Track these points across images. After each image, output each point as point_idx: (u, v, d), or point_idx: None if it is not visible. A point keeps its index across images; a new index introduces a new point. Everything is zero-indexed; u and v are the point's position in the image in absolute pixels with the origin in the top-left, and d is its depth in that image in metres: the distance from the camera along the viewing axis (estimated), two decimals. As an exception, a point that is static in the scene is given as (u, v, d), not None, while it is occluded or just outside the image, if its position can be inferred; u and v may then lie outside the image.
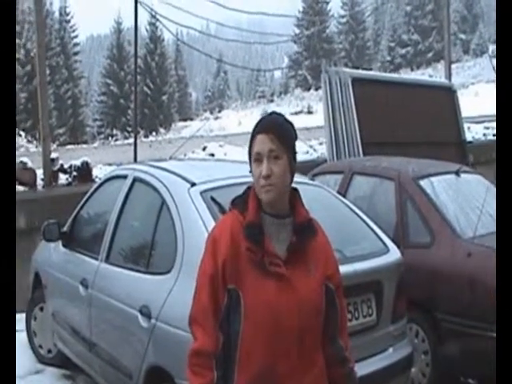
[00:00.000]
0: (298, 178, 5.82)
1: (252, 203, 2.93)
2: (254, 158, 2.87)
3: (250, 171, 2.91)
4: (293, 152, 2.91)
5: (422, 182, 7.14)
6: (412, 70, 72.09)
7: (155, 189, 5.50)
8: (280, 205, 2.91)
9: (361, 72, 16.21)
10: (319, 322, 2.94)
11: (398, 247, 5.71)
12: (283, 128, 2.90)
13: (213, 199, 4.91)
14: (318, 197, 5.71)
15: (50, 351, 7.55)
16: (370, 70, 62.49)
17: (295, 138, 2.94)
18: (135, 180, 5.95)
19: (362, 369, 4.75)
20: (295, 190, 3.00)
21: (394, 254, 5.52)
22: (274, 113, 3.01)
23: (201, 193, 5.03)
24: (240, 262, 2.87)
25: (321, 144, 17.56)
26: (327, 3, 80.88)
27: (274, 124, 2.90)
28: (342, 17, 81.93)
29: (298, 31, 76.50)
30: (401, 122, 12.09)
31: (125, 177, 6.17)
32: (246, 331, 2.86)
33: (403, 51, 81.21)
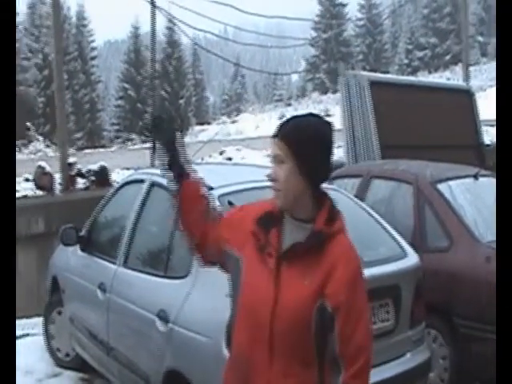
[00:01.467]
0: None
1: None
2: (271, 162, 2.89)
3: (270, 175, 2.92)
4: (307, 157, 2.80)
5: (440, 186, 7.10)
6: (430, 72, 71.81)
7: (173, 193, 5.49)
8: (297, 210, 2.87)
9: (379, 75, 16.19)
10: (306, 338, 2.77)
11: (416, 251, 5.68)
12: (294, 132, 2.83)
13: (230, 203, 4.90)
14: (335, 201, 5.69)
15: (67, 355, 7.57)
16: (388, 72, 62.42)
17: (310, 145, 2.82)
18: (153, 184, 5.96)
19: (379, 374, 4.75)
20: (325, 198, 2.93)
21: (412, 258, 5.49)
22: (293, 117, 2.95)
23: (218, 197, 5.02)
24: (248, 237, 2.93)
25: (339, 147, 17.50)
26: (344, 6, 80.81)
27: (286, 128, 2.85)
28: (360, 20, 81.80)
29: (315, 34, 76.47)
30: (419, 125, 12.04)
31: (142, 181, 6.18)
32: (239, 300, 2.93)
33: (421, 54, 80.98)
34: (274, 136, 2.85)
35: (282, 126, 2.87)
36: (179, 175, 3.17)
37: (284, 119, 2.98)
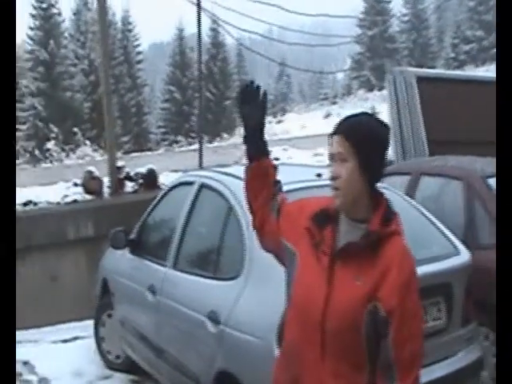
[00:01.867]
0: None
1: None
2: (330, 159, 2.84)
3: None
4: (366, 157, 2.77)
5: (491, 181, 6.99)
6: (477, 66, 71.00)
7: (222, 195, 5.50)
8: (352, 210, 2.83)
9: (426, 71, 16.07)
10: (357, 340, 2.72)
11: (468, 248, 5.60)
12: (357, 130, 2.79)
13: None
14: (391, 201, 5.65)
15: (118, 357, 7.64)
16: (434, 67, 61.87)
17: (371, 142, 2.79)
18: (202, 186, 5.98)
19: (431, 373, 4.71)
20: (382, 198, 2.89)
21: (464, 255, 5.42)
22: (353, 115, 2.92)
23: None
24: (302, 232, 2.93)
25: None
26: (389, 2, 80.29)
27: (347, 125, 2.82)
28: (404, 15, 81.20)
29: (360, 32, 76.11)
30: (467, 120, 11.88)
31: (191, 183, 6.20)
32: (291, 296, 2.93)
33: (467, 48, 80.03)
34: (334, 133, 2.82)
35: (342, 124, 2.84)
36: (257, 152, 3.16)
37: (343, 117, 2.93)
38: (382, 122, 2.87)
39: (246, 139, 3.16)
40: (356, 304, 2.70)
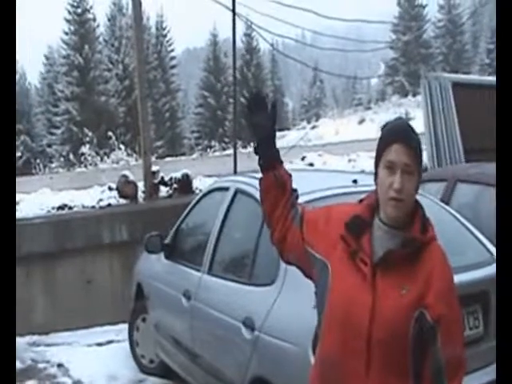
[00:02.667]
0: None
1: (366, 201, 2.91)
2: (386, 166, 2.75)
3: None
4: (421, 168, 2.80)
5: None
6: (512, 72, 70.41)
7: (257, 200, 5.47)
8: (398, 220, 2.79)
9: (461, 76, 15.98)
10: (403, 349, 2.70)
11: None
12: (414, 138, 2.77)
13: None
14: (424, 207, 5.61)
15: (152, 361, 7.66)
16: (469, 73, 61.45)
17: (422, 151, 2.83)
18: (237, 192, 5.98)
19: (469, 382, 4.63)
20: (418, 204, 2.86)
21: (502, 263, 5.36)
22: (403, 120, 2.92)
23: (303, 203, 4.99)
24: (335, 241, 2.88)
25: (421, 151, 17.32)
26: (424, 7, 79.89)
27: (408, 133, 2.77)
28: (439, 21, 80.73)
29: (394, 37, 75.79)
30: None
31: (226, 189, 6.21)
32: (327, 306, 2.87)
33: (503, 54, 79.46)
34: (402, 142, 2.73)
35: (407, 132, 2.78)
36: (270, 162, 3.12)
37: (397, 121, 2.89)
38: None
39: (258, 149, 3.10)
40: (403, 313, 2.69)
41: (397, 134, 2.77)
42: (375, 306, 2.72)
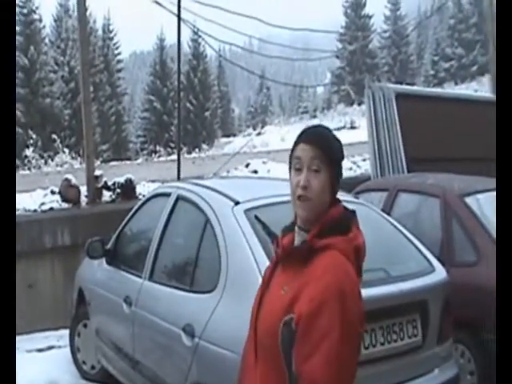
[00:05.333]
0: (341, 195, 5.76)
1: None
2: (295, 167, 2.75)
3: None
4: (336, 170, 2.75)
5: (468, 199, 7.03)
6: (456, 84, 71.42)
7: (199, 207, 5.50)
8: (314, 222, 2.73)
9: (405, 87, 16.11)
10: (276, 350, 2.64)
11: (444, 266, 5.62)
12: (328, 141, 2.76)
13: (257, 218, 4.88)
14: (362, 215, 5.64)
15: (93, 367, 7.60)
16: (414, 84, 62.16)
17: (341, 155, 2.80)
18: (179, 198, 5.97)
19: (407, 391, 4.72)
20: (352, 211, 2.84)
21: (440, 273, 5.43)
22: (320, 126, 2.90)
23: (245, 211, 5.02)
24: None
25: (364, 160, 17.45)
26: (370, 18, 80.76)
27: (319, 136, 2.77)
28: (385, 31, 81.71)
29: (340, 46, 76.47)
30: (445, 137, 11.94)
31: (168, 195, 6.19)
32: None
33: (447, 65, 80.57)
34: (308, 142, 2.74)
35: (310, 133, 2.80)
36: None
37: (309, 126, 2.90)
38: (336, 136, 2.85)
39: None
40: (276, 313, 2.65)
41: (304, 136, 2.79)
42: (261, 303, 2.78)
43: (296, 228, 2.82)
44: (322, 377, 2.49)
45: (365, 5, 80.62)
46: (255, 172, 15.04)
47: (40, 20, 55.66)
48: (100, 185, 12.42)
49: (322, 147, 2.72)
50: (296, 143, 2.79)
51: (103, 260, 7.02)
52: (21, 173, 25.87)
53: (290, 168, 2.81)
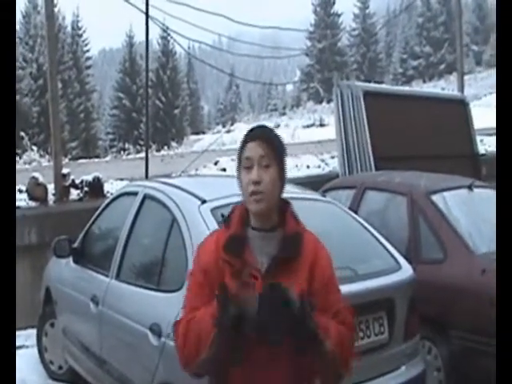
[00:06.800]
0: (309, 193, 5.78)
1: (236, 218, 2.96)
2: (244, 166, 2.87)
3: (240, 187, 2.90)
4: (282, 163, 2.89)
5: (435, 197, 7.08)
6: (424, 81, 71.97)
7: (165, 206, 5.48)
8: (268, 217, 2.89)
9: (373, 85, 16.16)
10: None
11: (410, 263, 5.65)
12: (274, 138, 2.91)
13: (223, 217, 4.87)
14: (329, 213, 5.68)
15: (60, 367, 7.55)
16: (382, 82, 62.51)
17: (285, 152, 2.93)
18: (145, 197, 5.95)
19: (374, 387, 4.75)
20: (287, 202, 2.98)
21: (406, 271, 5.47)
22: (264, 126, 3.02)
23: (211, 210, 5.01)
24: (224, 273, 2.87)
25: (333, 158, 17.48)
26: (339, 16, 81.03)
27: (265, 133, 2.91)
28: (354, 30, 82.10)
29: (309, 44, 76.67)
30: (413, 135, 12.01)
31: (135, 193, 6.16)
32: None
33: (415, 63, 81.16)
34: (255, 139, 2.87)
35: (258, 131, 2.93)
36: None
37: (254, 126, 3.01)
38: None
39: None
40: None
41: (251, 134, 2.91)
42: None
43: (250, 232, 2.90)
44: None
45: (334, 3, 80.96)
46: (224, 170, 15.01)
47: (8, 16, 55.18)
48: (67, 183, 12.33)
49: (270, 144, 2.86)
50: (244, 143, 2.91)
51: (70, 259, 6.97)
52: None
53: (238, 169, 2.91)
